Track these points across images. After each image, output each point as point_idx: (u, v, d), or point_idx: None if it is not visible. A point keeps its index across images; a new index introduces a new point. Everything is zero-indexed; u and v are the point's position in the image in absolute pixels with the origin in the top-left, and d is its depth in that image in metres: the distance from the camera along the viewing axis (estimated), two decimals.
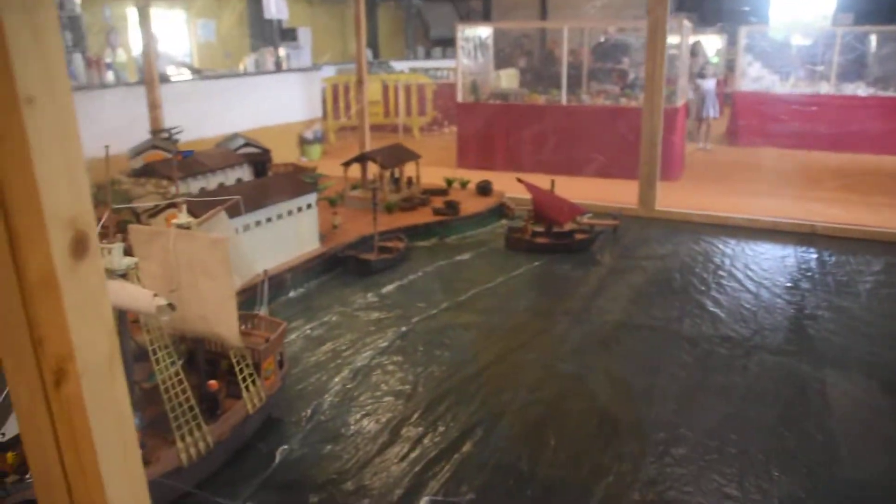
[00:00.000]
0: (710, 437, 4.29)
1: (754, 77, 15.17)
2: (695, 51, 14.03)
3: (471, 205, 8.77)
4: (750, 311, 6.14)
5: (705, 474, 3.93)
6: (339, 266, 7.12)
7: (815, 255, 7.67)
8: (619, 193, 9.82)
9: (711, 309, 6.21)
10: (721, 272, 7.15)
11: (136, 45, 12.37)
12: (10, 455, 3.45)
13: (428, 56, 23.74)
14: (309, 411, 4.54)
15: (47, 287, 1.40)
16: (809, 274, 7.12)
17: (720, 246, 8.02)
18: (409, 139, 15.23)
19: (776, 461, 4.03)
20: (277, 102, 13.41)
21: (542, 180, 8.15)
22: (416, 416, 4.51)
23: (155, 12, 11.08)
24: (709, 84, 13.67)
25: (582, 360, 5.31)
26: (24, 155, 1.32)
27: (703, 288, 6.71)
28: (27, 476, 3.25)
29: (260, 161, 8.63)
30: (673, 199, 9.52)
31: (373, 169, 8.99)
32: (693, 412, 4.58)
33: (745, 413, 4.55)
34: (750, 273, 7.09)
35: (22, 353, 1.48)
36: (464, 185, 9.60)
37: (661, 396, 4.78)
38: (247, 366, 4.10)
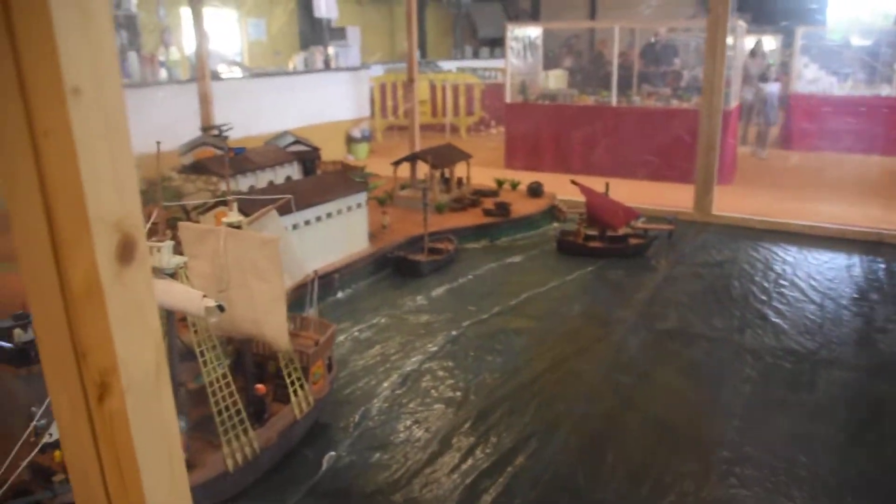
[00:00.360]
0: (776, 457, 4.05)
1: (810, 79, 14.65)
2: (756, 51, 13.39)
3: (521, 206, 8.59)
4: (815, 323, 5.86)
5: (773, 498, 3.70)
6: (388, 267, 7.00)
7: (882, 265, 7.31)
8: (670, 197, 9.55)
9: (774, 320, 5.94)
10: (782, 281, 6.85)
11: (188, 43, 12.47)
12: (57, 454, 3.40)
13: (475, 56, 23.61)
14: (357, 417, 4.43)
15: (91, 295, 1.29)
16: (878, 285, 6.78)
17: (780, 253, 7.71)
18: (457, 139, 15.10)
19: (850, 487, 3.78)
20: (326, 101, 13.40)
21: (591, 182, 7.93)
22: (467, 425, 4.36)
23: (207, 11, 11.12)
24: (772, 88, 13.01)
25: (640, 370, 5.10)
26: (69, 151, 1.20)
27: (764, 297, 6.43)
28: None
29: (309, 159, 8.58)
30: (726, 203, 9.18)
31: (422, 168, 8.87)
32: (758, 429, 4.34)
33: (814, 432, 4.30)
34: (813, 283, 6.78)
35: (64, 365, 1.37)
36: (514, 186, 9.42)
37: (723, 411, 4.55)
38: (295, 369, 4.00)
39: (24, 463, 3.30)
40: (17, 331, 3.75)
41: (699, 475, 3.87)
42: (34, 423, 3.52)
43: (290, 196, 4.16)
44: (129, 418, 1.34)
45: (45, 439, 3.19)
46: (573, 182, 7.57)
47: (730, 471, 3.91)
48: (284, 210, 4.42)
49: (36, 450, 3.37)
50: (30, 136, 1.24)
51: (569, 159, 11.85)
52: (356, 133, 13.95)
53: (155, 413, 1.39)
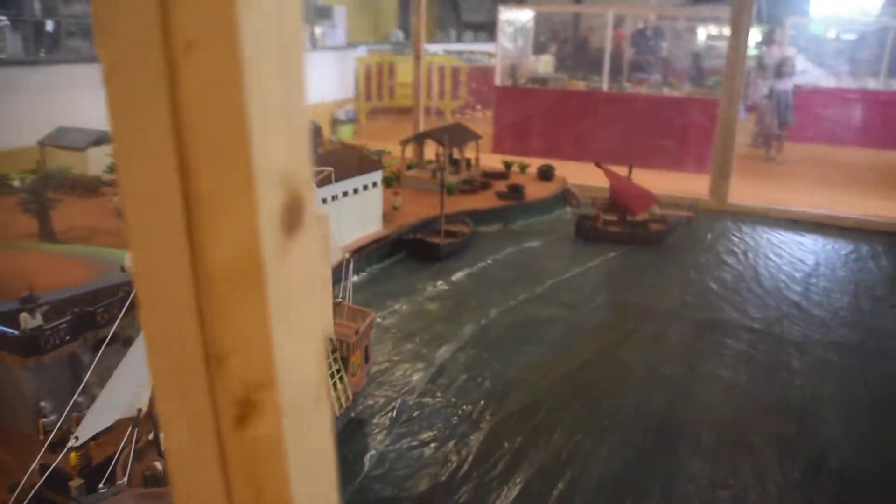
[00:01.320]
0: (854, 456, 3.78)
1: (798, 71, 14.31)
2: (771, 39, 12.34)
3: (533, 190, 8.24)
4: (855, 316, 5.62)
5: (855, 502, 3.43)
6: (402, 250, 6.62)
7: None
8: (666, 184, 9.25)
9: (811, 311, 5.69)
10: (811, 272, 6.60)
11: None
12: (73, 455, 3.00)
13: (459, 39, 23.15)
14: (394, 412, 4.07)
15: (241, 276, 0.88)
16: None
17: (804, 243, 7.46)
18: (441, 122, 14.71)
19: None
20: (311, 81, 12.93)
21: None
22: (512, 421, 4.03)
23: None
24: (786, 84, 11.55)
25: (685, 363, 4.81)
26: (230, 72, 0.81)
27: (795, 287, 6.18)
28: (101, 487, 2.79)
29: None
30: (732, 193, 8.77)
31: (430, 149, 8.48)
32: (822, 428, 4.08)
33: (880, 430, 4.04)
34: (842, 273, 6.56)
35: (188, 373, 0.97)
36: (523, 168, 9.07)
37: (782, 407, 4.29)
38: (335, 360, 3.62)
39: (49, 469, 2.88)
40: (24, 315, 3.32)
41: (778, 480, 3.58)
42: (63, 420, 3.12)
43: (330, 169, 3.76)
44: (285, 451, 0.97)
45: (71, 443, 2.78)
46: (597, 165, 7.24)
47: (815, 470, 3.64)
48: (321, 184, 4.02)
49: (62, 454, 2.95)
50: (164, 50, 0.85)
51: (557, 144, 11.41)
52: (341, 115, 13.51)
53: (315, 444, 1.02)
